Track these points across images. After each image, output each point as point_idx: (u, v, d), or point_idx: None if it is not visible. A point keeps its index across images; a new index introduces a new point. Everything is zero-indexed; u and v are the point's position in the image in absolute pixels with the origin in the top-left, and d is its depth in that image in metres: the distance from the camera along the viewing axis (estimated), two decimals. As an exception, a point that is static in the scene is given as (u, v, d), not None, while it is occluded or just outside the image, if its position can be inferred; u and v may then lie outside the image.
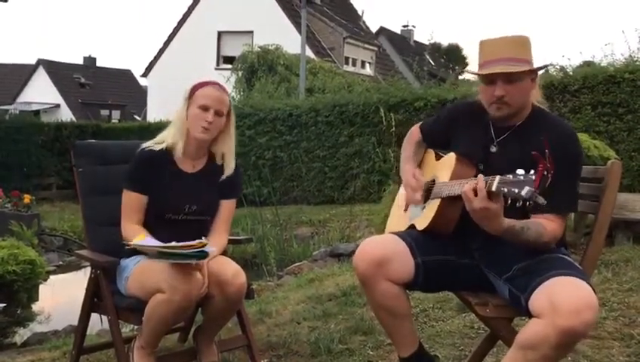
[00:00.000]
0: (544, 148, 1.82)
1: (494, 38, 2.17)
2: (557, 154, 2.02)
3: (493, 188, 1.83)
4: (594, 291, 1.91)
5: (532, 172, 1.76)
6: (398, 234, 2.27)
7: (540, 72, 2.23)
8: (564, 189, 1.96)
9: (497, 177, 1.83)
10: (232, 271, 2.52)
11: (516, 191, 1.77)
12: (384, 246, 2.18)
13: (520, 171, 1.79)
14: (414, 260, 2.17)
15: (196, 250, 2.29)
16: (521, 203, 1.77)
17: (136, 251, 2.54)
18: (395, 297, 2.18)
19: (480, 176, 1.91)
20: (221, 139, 2.67)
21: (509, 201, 1.80)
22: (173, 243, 2.30)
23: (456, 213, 2.18)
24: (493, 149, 2.20)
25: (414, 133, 2.57)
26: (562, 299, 1.82)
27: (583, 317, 1.79)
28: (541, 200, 1.76)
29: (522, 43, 2.14)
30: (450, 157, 2.28)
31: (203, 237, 2.41)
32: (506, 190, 1.79)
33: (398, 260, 2.16)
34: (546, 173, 1.73)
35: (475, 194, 1.88)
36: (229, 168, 2.70)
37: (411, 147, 2.52)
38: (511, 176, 1.80)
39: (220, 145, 2.68)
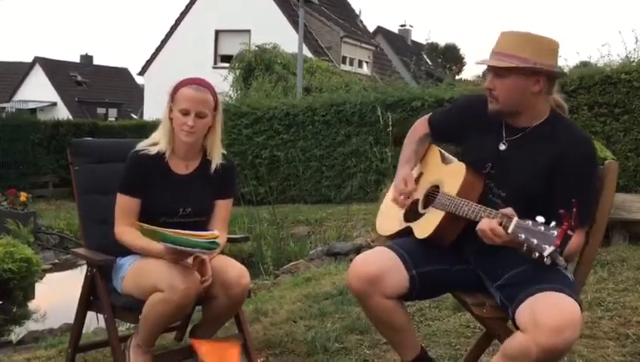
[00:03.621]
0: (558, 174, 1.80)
1: (508, 31, 2.12)
2: (571, 164, 2.01)
3: (510, 231, 1.82)
4: (580, 305, 1.90)
5: (553, 224, 1.72)
6: (391, 246, 2.24)
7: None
8: (582, 202, 1.80)
9: (515, 219, 1.82)
10: (236, 271, 2.52)
11: (535, 242, 1.74)
12: (376, 263, 2.16)
13: (540, 219, 1.75)
14: (408, 273, 2.15)
15: (206, 240, 2.29)
16: (537, 255, 1.73)
17: (131, 250, 2.54)
18: (391, 311, 2.18)
19: (495, 217, 1.90)
20: (210, 134, 2.62)
21: (525, 248, 1.77)
22: (185, 231, 2.30)
23: (459, 229, 2.16)
24: (502, 147, 2.16)
25: (419, 127, 2.47)
26: (545, 315, 1.82)
27: (563, 336, 1.79)
28: (561, 261, 1.75)
29: (524, 41, 2.05)
30: (460, 168, 2.21)
31: (215, 230, 2.40)
32: (523, 237, 1.77)
33: (391, 275, 2.14)
34: (570, 232, 1.69)
35: (495, 234, 1.88)
36: (215, 162, 2.64)
37: (413, 145, 2.44)
38: (530, 223, 1.77)
39: (210, 140, 2.64)
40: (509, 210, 1.86)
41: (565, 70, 9.17)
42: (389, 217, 2.48)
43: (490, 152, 2.17)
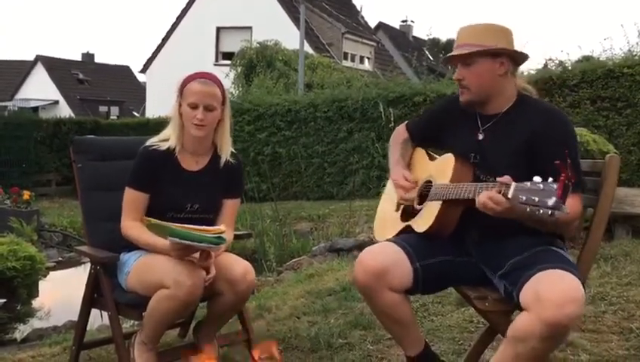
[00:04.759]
0: (551, 148, 1.81)
1: (465, 26, 2.23)
2: (548, 136, 2.05)
3: (510, 196, 1.82)
4: (582, 284, 1.92)
5: (550, 180, 1.74)
6: (395, 240, 2.27)
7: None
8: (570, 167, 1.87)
9: (513, 184, 1.82)
10: (242, 268, 2.52)
11: (537, 199, 1.74)
12: (382, 257, 2.18)
13: (537, 179, 1.76)
14: (412, 266, 2.18)
15: (213, 235, 2.30)
16: (541, 211, 1.74)
17: (136, 246, 2.54)
18: (397, 305, 2.20)
19: (494, 188, 1.91)
20: (219, 127, 2.63)
21: (528, 209, 1.77)
22: (191, 226, 2.31)
23: (458, 215, 2.18)
24: (480, 137, 2.22)
25: (400, 132, 2.56)
26: (547, 291, 1.84)
27: (566, 311, 1.80)
28: (566, 209, 1.74)
29: (485, 30, 2.17)
30: (448, 159, 2.25)
31: (222, 225, 2.41)
32: (524, 198, 1.77)
33: (396, 269, 2.16)
34: (567, 182, 1.70)
35: (495, 202, 1.88)
36: (224, 157, 2.66)
37: (398, 148, 2.51)
38: (528, 184, 1.78)
39: (219, 134, 2.65)
40: (506, 178, 1.86)
41: (567, 64, 9.16)
42: (385, 222, 2.49)
43: (471, 144, 2.23)
